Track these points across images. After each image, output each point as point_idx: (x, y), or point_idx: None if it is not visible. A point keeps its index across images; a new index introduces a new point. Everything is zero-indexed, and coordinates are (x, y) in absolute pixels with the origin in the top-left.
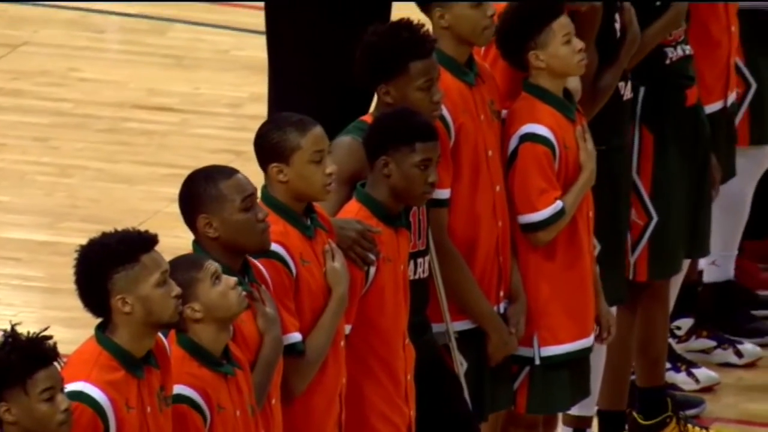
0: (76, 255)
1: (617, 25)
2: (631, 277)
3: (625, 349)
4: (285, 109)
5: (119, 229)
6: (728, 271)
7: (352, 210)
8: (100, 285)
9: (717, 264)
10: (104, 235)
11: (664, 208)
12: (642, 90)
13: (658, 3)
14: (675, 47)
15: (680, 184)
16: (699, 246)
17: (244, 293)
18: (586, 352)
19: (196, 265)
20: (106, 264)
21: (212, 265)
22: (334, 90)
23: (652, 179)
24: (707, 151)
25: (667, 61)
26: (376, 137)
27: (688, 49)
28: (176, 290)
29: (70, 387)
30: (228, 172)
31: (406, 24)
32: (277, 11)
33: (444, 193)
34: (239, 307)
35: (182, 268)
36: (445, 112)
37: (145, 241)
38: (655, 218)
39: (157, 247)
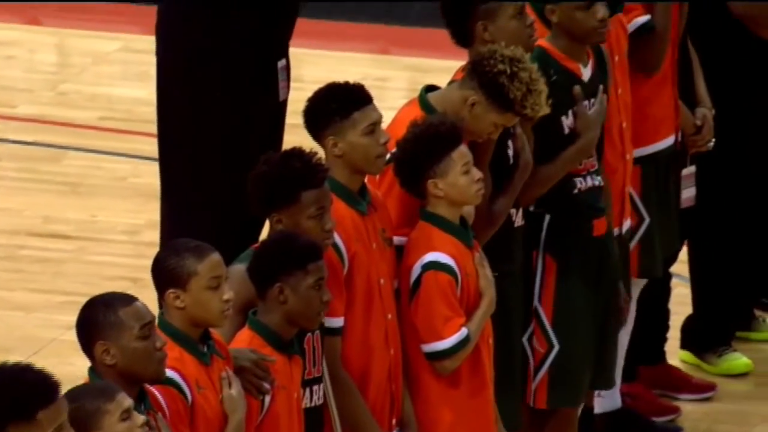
0: None
1: (510, 152)
2: (531, 403)
3: None
4: (176, 235)
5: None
6: (615, 400)
7: (245, 339)
8: None
9: (601, 395)
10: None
11: (567, 337)
12: (547, 218)
13: (567, 132)
14: (585, 177)
15: (584, 314)
16: (604, 377)
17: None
18: None
19: (106, 395)
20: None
21: (126, 401)
22: (226, 216)
23: (553, 307)
24: (613, 282)
25: (575, 191)
26: (265, 266)
27: (598, 180)
28: None
29: None
30: (127, 299)
31: (297, 153)
32: (168, 139)
33: (337, 322)
34: None
35: (92, 395)
36: (338, 240)
37: (44, 395)
38: (557, 346)
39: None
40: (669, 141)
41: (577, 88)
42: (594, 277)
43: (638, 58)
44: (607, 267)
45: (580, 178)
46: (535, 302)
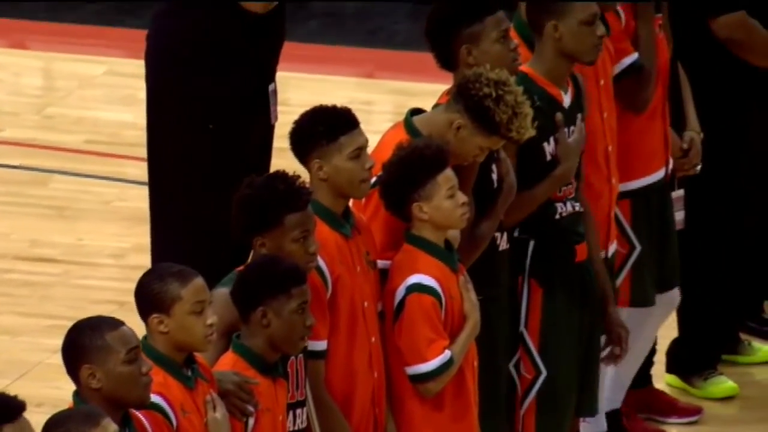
0: None
1: (494, 176)
2: (519, 431)
3: None
4: (166, 258)
5: None
6: (601, 425)
7: (229, 362)
8: None
9: (587, 420)
10: None
11: (553, 363)
12: (531, 243)
13: (549, 159)
14: (565, 203)
15: (569, 339)
16: (589, 404)
17: None
18: None
19: (91, 420)
20: None
21: (111, 426)
22: (214, 239)
23: (540, 333)
24: (596, 308)
25: (557, 216)
26: (248, 290)
27: (578, 206)
28: None
29: None
30: (113, 323)
31: (281, 176)
32: (159, 162)
33: (321, 345)
34: None
35: (77, 420)
36: (322, 263)
37: (8, 411)
38: (544, 372)
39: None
40: (659, 175)
41: (559, 115)
42: (578, 302)
43: (626, 98)
44: (590, 292)
45: (561, 204)
46: (521, 328)
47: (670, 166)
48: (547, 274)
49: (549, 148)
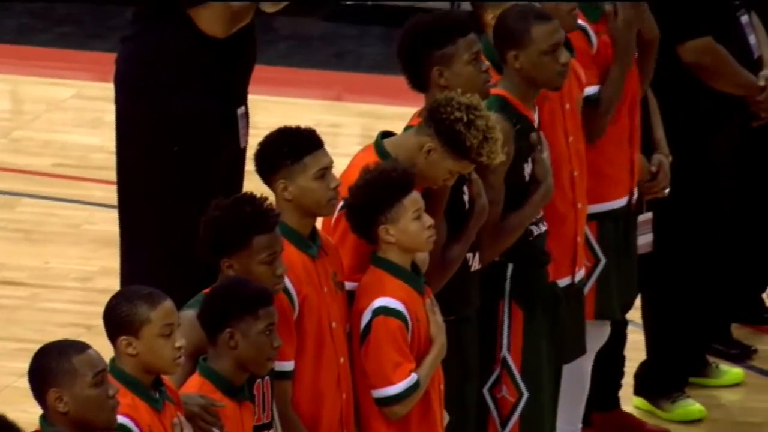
0: None
1: (465, 198)
2: None
3: None
4: (134, 282)
5: None
6: None
7: (195, 384)
8: None
9: None
10: None
11: (534, 384)
12: (510, 266)
13: (527, 180)
14: (537, 224)
15: (547, 360)
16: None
17: None
18: None
19: None
20: None
21: None
22: (182, 262)
23: (522, 355)
24: (563, 328)
25: (531, 238)
26: (215, 312)
27: (544, 226)
28: None
29: None
30: (80, 346)
31: (249, 198)
32: (127, 185)
33: (288, 366)
34: None
35: None
36: (288, 284)
37: None
38: (526, 394)
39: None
40: (622, 202)
41: (533, 135)
42: (552, 323)
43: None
44: (559, 313)
45: (534, 225)
46: (504, 351)
47: (635, 195)
48: (527, 297)
49: (527, 168)
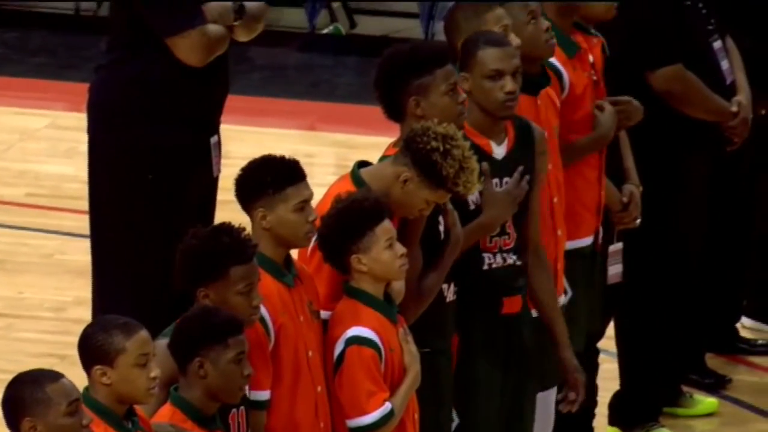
0: None
1: (441, 227)
2: None
3: None
4: (107, 311)
5: None
6: None
7: (166, 414)
8: None
9: None
10: None
11: (467, 413)
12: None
13: (472, 208)
14: (495, 254)
15: (487, 392)
16: None
17: None
18: None
19: None
20: None
21: None
22: (156, 291)
23: (454, 381)
24: (525, 364)
25: (485, 267)
26: (185, 341)
27: (514, 258)
28: None
29: None
30: (54, 376)
31: (227, 228)
32: (100, 214)
33: (263, 395)
34: None
35: None
36: (264, 313)
37: None
38: (456, 421)
39: None
40: (587, 241)
41: (484, 165)
42: (502, 355)
43: None
44: (517, 347)
45: (490, 255)
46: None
47: (600, 235)
48: (466, 325)
49: (472, 197)
